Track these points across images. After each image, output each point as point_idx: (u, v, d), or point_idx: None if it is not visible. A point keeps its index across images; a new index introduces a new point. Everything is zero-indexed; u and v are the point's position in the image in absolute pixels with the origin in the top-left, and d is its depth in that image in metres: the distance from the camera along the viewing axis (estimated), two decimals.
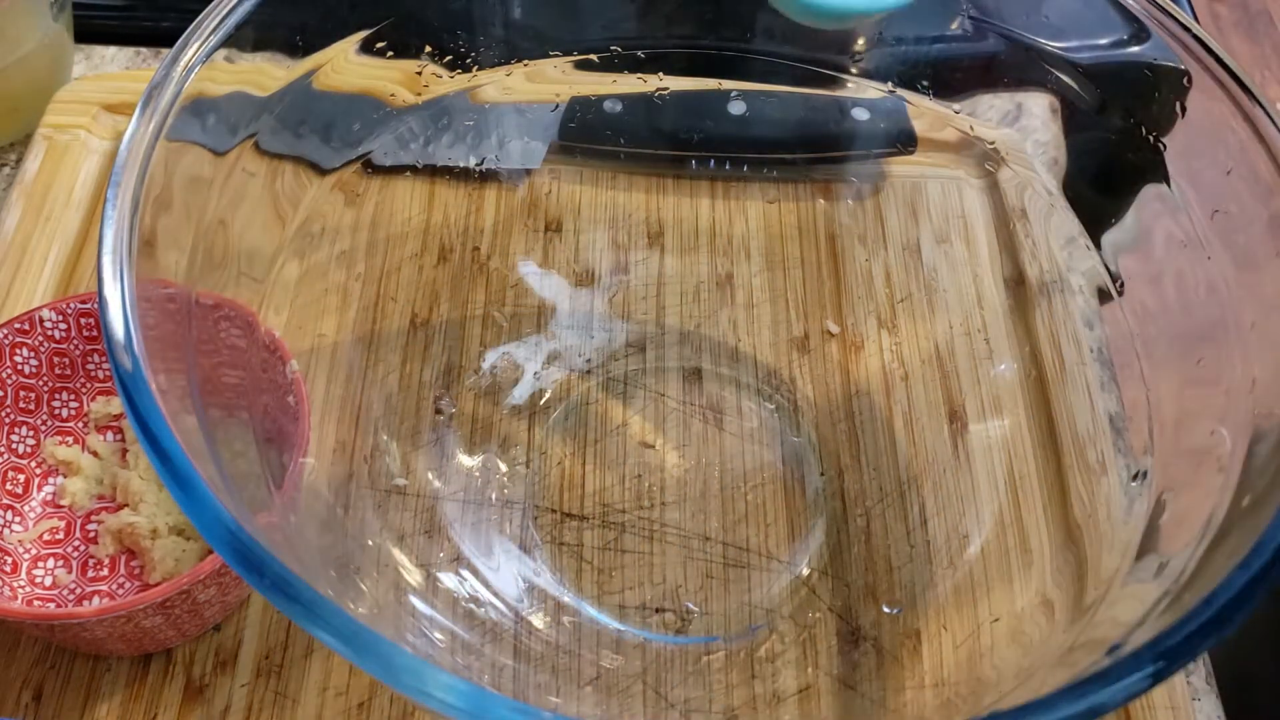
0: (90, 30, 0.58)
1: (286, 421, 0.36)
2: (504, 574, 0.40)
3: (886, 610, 0.39)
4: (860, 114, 0.47)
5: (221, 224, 0.33)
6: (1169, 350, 0.35)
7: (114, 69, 0.58)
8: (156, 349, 0.26)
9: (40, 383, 0.41)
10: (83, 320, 0.41)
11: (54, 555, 0.40)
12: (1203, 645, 0.23)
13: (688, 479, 0.43)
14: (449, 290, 0.45)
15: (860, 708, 0.37)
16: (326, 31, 0.37)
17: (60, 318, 0.41)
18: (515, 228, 0.47)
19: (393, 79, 0.40)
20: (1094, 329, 0.42)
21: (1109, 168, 0.40)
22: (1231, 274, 0.32)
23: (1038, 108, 0.41)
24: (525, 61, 0.43)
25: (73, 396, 0.42)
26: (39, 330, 0.41)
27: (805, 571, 0.41)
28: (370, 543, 0.38)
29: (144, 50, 0.59)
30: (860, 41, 0.43)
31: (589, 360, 0.46)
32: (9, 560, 0.39)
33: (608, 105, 0.47)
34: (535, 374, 0.45)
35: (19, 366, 0.40)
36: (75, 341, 0.42)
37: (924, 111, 0.44)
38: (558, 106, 0.46)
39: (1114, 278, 0.37)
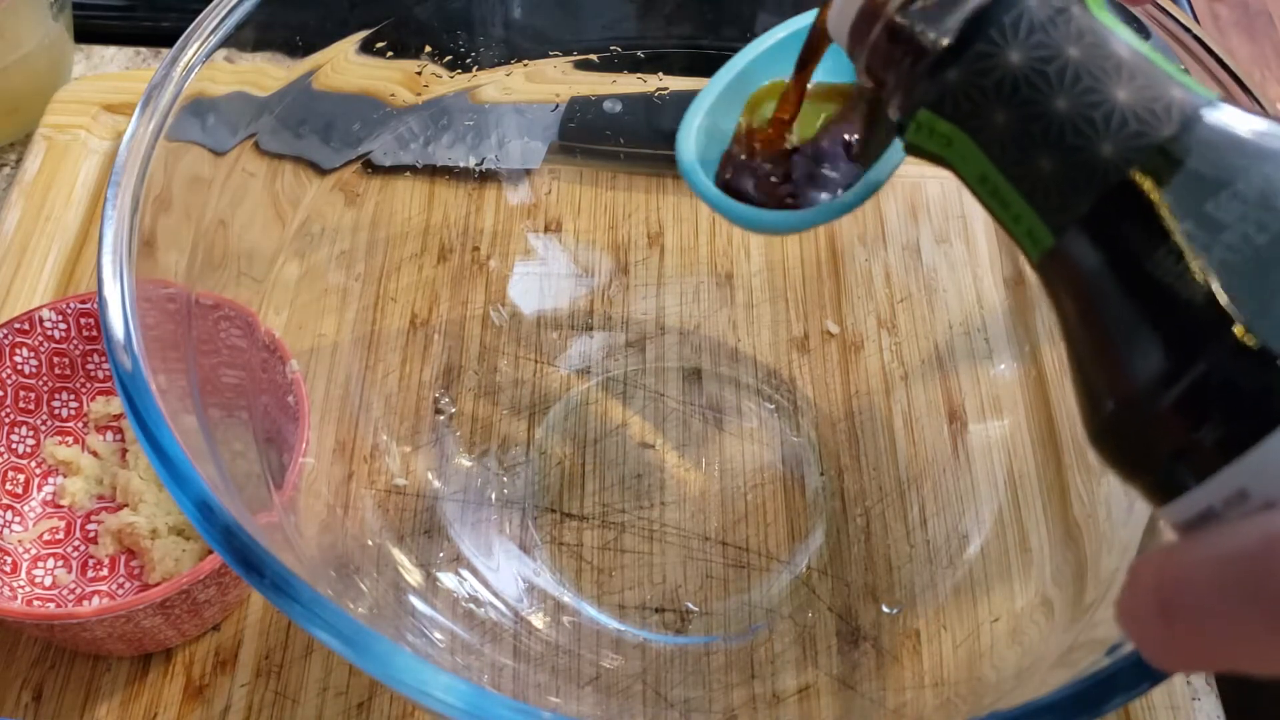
0: (90, 30, 0.58)
1: (286, 421, 0.36)
2: (504, 574, 0.40)
3: (886, 610, 0.39)
4: None
5: (221, 224, 0.33)
6: None
7: (114, 69, 0.58)
8: (156, 349, 0.26)
9: (40, 383, 0.41)
10: (82, 320, 0.41)
11: (54, 555, 0.40)
12: None
13: (687, 479, 0.43)
14: (449, 290, 0.45)
15: (860, 708, 0.37)
16: (326, 31, 0.37)
17: (60, 318, 0.41)
18: (515, 228, 0.47)
19: (393, 79, 0.40)
20: None
21: None
22: None
23: None
24: (525, 61, 0.43)
25: (72, 396, 0.42)
26: (39, 330, 0.41)
27: (805, 571, 0.41)
28: (370, 543, 0.38)
29: (144, 50, 0.59)
30: None
31: (588, 360, 0.46)
32: (9, 560, 0.39)
33: (608, 105, 0.47)
34: (535, 373, 0.45)
35: (19, 366, 0.40)
36: (75, 341, 0.42)
37: None
38: (558, 106, 0.46)
39: None
